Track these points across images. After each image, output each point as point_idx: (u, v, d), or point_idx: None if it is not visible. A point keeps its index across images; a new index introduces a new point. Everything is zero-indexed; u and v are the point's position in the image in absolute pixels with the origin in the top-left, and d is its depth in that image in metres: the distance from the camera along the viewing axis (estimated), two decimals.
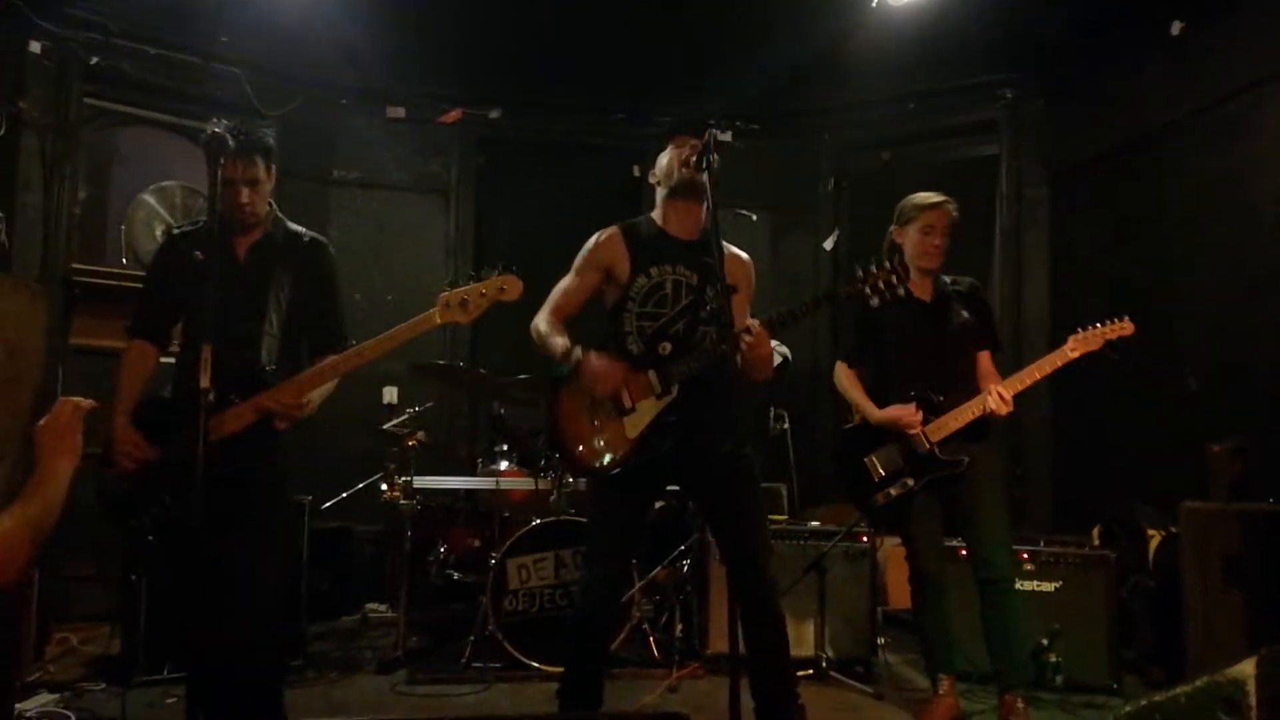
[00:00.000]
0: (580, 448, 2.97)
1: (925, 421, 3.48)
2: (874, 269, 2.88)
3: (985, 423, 3.47)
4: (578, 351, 2.92)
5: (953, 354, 3.56)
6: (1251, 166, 4.52)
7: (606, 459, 2.94)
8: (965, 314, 3.60)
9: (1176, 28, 4.92)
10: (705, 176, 2.73)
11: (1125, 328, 3.36)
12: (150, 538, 2.72)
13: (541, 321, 3.08)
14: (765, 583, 2.92)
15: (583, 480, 4.40)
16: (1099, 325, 3.40)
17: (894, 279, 2.86)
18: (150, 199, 5.53)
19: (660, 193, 3.11)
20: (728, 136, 3.01)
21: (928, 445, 3.46)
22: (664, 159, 3.07)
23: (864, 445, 3.60)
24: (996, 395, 3.39)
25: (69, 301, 5.09)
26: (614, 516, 3.04)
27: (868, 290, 2.88)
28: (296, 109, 5.98)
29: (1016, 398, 3.44)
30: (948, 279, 3.69)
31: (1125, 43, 5.35)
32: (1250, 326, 4.43)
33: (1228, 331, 4.57)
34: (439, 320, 2.79)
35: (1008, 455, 3.74)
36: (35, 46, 5.10)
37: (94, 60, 5.31)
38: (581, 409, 2.97)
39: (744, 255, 3.18)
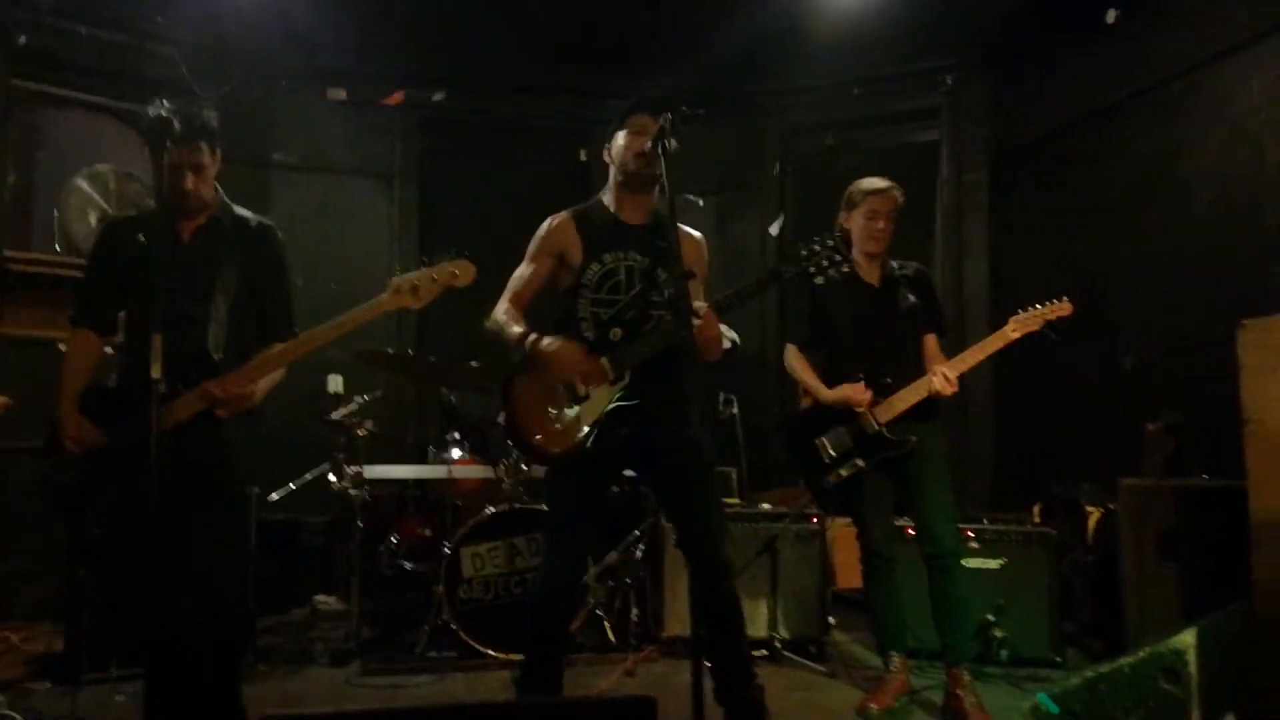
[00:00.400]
0: (537, 436, 2.96)
1: (874, 403, 3.55)
2: (816, 247, 2.93)
3: (932, 403, 3.55)
4: (533, 337, 2.92)
5: (900, 336, 3.62)
6: (1188, 148, 4.66)
7: (563, 446, 2.94)
8: (912, 297, 3.67)
9: (1112, 16, 5.04)
10: (660, 165, 2.74)
11: (1063, 308, 3.45)
12: (98, 530, 2.66)
13: (500, 311, 3.07)
14: (721, 566, 2.95)
15: (537, 468, 4.40)
16: (1038, 306, 3.49)
17: (836, 255, 2.91)
18: (83, 184, 5.36)
19: (613, 174, 3.09)
20: (691, 114, 2.97)
21: (876, 426, 3.53)
22: (619, 140, 3.03)
23: (815, 428, 3.66)
24: (941, 376, 3.46)
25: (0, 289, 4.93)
26: (572, 502, 3.04)
27: (811, 269, 2.93)
28: (234, 90, 5.83)
29: (959, 378, 3.52)
30: (895, 263, 3.75)
31: (1064, 28, 5.47)
32: (1187, 305, 4.58)
33: (1165, 310, 4.72)
34: (389, 306, 2.74)
35: (952, 435, 3.81)
36: None
37: (22, 40, 5.14)
38: (537, 397, 2.96)
39: (696, 234, 3.18)
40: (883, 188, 3.64)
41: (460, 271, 2.73)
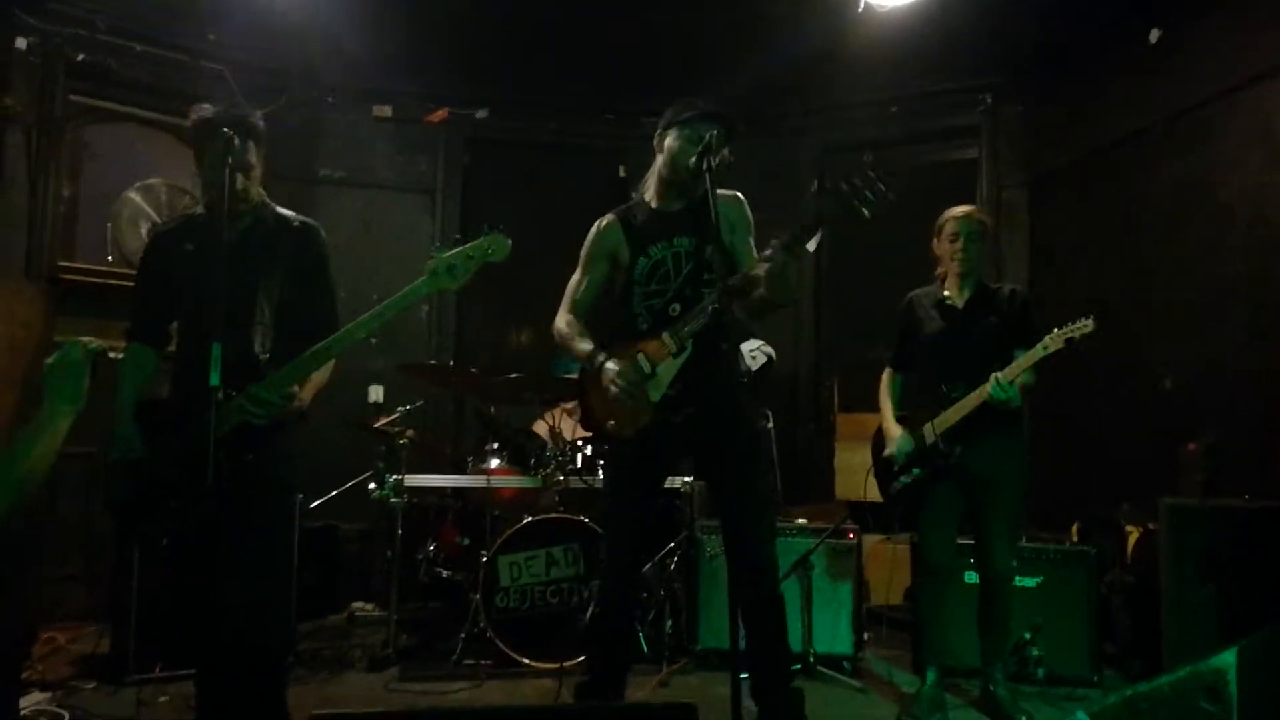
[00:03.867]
0: (611, 421, 3.06)
1: (934, 415, 3.62)
2: (856, 180, 2.80)
3: (1002, 415, 3.53)
4: (600, 358, 3.04)
5: (981, 355, 3.60)
6: (1224, 170, 4.63)
7: (635, 424, 3.01)
8: (996, 319, 3.69)
9: (1155, 35, 5.03)
10: (706, 181, 2.80)
11: (1086, 326, 3.39)
12: (164, 540, 2.70)
13: (560, 323, 3.16)
14: (765, 565, 2.99)
15: (574, 480, 4.45)
16: (1069, 324, 3.42)
17: (876, 184, 2.77)
18: (136, 197, 5.51)
19: (660, 166, 3.15)
20: (741, 131, 3.02)
21: (933, 436, 3.60)
22: (669, 142, 3.10)
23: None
24: (995, 381, 3.45)
25: (55, 300, 5.06)
26: (632, 496, 3.14)
27: (856, 201, 2.81)
28: (282, 107, 5.96)
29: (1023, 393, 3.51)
30: (992, 285, 3.84)
31: (1101, 49, 5.46)
32: (1223, 326, 4.55)
33: (1201, 331, 4.68)
34: (427, 289, 2.72)
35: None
36: (21, 43, 5.08)
37: (80, 57, 5.29)
38: (610, 392, 3.04)
39: (731, 191, 3.19)
40: (962, 212, 3.76)
41: (495, 247, 2.67)
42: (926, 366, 3.79)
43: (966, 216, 3.73)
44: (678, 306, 3.03)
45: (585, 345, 3.11)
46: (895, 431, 3.74)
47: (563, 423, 4.70)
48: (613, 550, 3.21)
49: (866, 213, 2.78)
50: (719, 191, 3.02)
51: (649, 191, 3.20)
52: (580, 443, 4.63)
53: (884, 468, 3.81)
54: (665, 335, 2.99)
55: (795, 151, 6.84)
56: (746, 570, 2.89)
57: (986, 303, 3.73)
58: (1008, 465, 3.64)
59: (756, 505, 3.06)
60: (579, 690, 3.15)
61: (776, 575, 3.07)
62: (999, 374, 3.46)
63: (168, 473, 2.69)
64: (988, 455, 3.56)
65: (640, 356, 3.00)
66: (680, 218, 3.10)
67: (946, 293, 3.75)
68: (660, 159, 3.15)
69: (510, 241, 2.70)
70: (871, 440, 3.94)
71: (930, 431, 3.62)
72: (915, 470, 3.66)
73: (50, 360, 2.08)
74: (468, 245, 2.69)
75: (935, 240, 3.81)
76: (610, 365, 3.01)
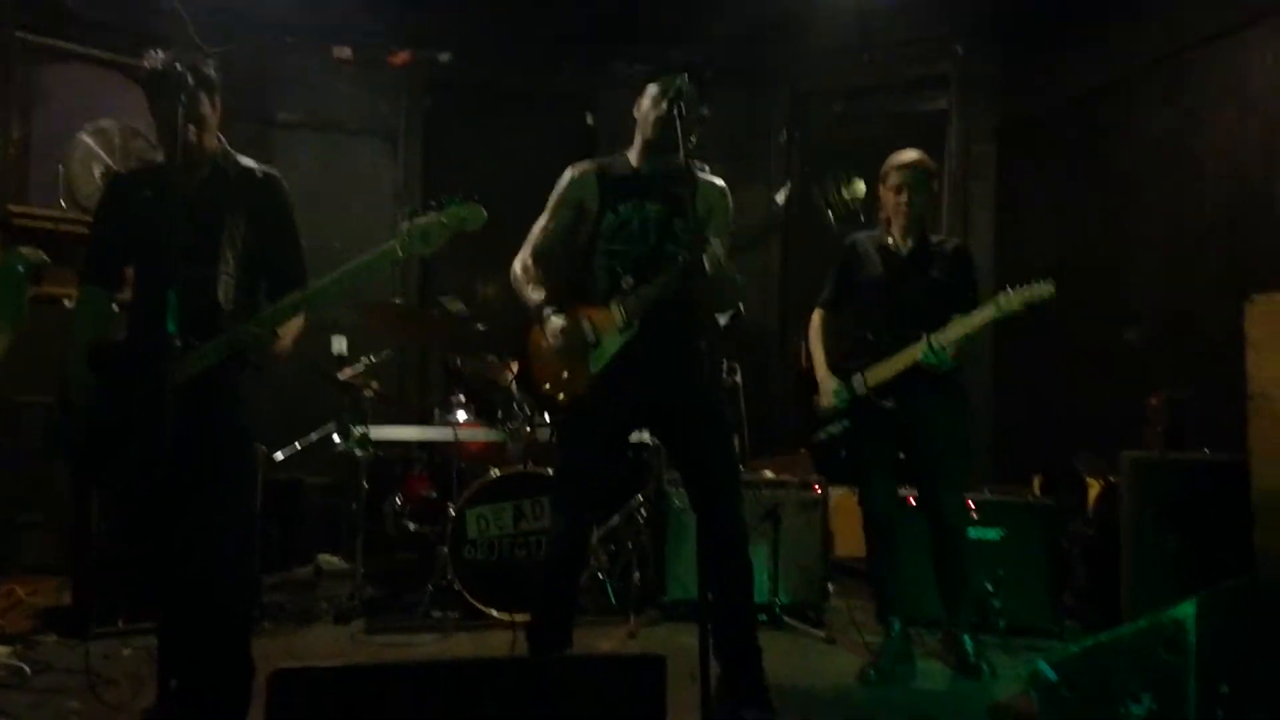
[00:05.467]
0: (546, 385, 3.02)
1: (866, 366, 3.59)
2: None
3: (940, 375, 3.51)
4: (548, 310, 2.96)
5: (921, 309, 3.57)
6: (1196, 122, 4.64)
7: (570, 393, 2.98)
8: (938, 272, 3.65)
9: None
10: (677, 127, 2.74)
11: (1045, 290, 3.33)
12: (113, 488, 2.65)
13: (518, 266, 3.09)
14: (733, 522, 2.98)
15: (542, 431, 4.42)
16: (1022, 287, 3.36)
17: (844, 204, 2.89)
18: (88, 139, 5.34)
19: (637, 135, 3.10)
20: (709, 77, 2.97)
21: (865, 388, 3.59)
22: (645, 100, 3.04)
23: (817, 387, 3.76)
24: (926, 343, 3.43)
25: (5, 245, 4.91)
26: (583, 459, 3.07)
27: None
28: (239, 47, 5.78)
29: (960, 356, 3.50)
30: (936, 238, 3.78)
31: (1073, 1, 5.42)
32: (1192, 279, 4.59)
33: (1170, 284, 4.72)
34: (400, 253, 2.68)
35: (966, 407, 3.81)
36: None
37: None
38: (549, 346, 3.00)
39: (719, 182, 3.15)
40: (907, 160, 3.66)
41: (470, 216, 2.65)
42: (861, 311, 3.76)
43: (911, 165, 3.65)
44: (630, 279, 2.96)
45: (536, 294, 3.02)
46: (830, 383, 3.67)
47: None
48: (559, 507, 3.18)
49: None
50: (707, 176, 2.99)
51: (632, 151, 3.13)
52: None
53: (809, 414, 3.76)
54: (614, 305, 2.94)
55: (766, 100, 6.76)
56: (715, 529, 2.89)
57: (929, 255, 3.69)
58: (944, 417, 3.62)
59: (722, 465, 3.04)
60: (528, 633, 3.15)
61: (743, 531, 3.06)
62: (933, 337, 3.41)
63: (122, 418, 2.64)
64: (921, 408, 3.55)
65: (585, 323, 2.95)
66: (655, 182, 3.02)
67: (890, 239, 3.70)
68: (637, 129, 3.09)
69: (485, 213, 2.67)
70: (793, 385, 3.90)
71: (861, 383, 3.60)
72: (844, 422, 3.63)
73: None
74: (443, 212, 2.65)
75: (880, 186, 3.75)
76: (555, 319, 2.95)
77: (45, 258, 2.55)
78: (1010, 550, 4.18)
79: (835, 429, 3.66)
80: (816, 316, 3.87)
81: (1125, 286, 4.97)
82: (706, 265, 2.76)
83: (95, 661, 3.41)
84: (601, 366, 2.94)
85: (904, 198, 3.63)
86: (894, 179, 3.66)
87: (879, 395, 3.57)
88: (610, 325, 2.94)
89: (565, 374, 2.97)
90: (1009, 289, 3.41)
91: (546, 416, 4.42)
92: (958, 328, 3.45)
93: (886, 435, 3.65)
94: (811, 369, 3.83)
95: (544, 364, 3.02)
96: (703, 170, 3.12)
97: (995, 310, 3.40)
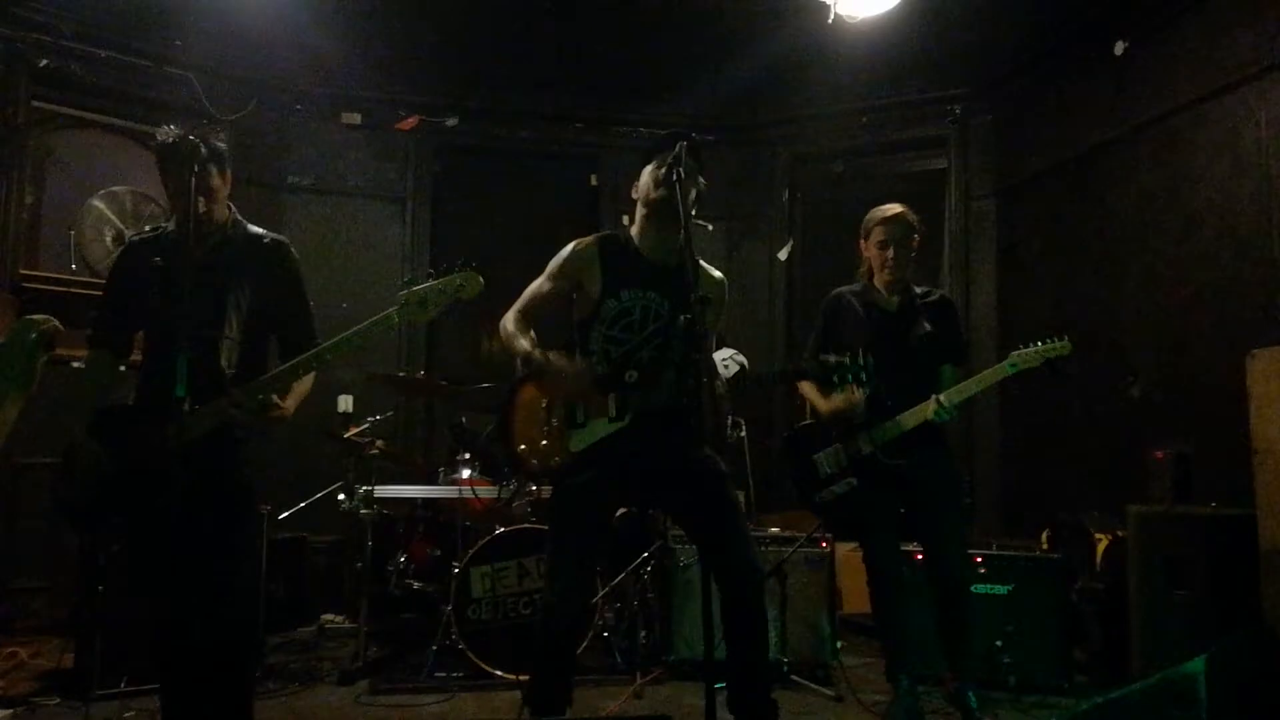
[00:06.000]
0: (522, 446, 3.01)
1: (871, 425, 3.59)
2: (834, 359, 3.02)
3: (937, 430, 3.55)
4: (539, 354, 2.91)
5: (913, 364, 3.61)
6: (1191, 181, 4.70)
7: (542, 463, 2.97)
8: (927, 325, 3.67)
9: (1120, 48, 5.10)
10: (677, 195, 2.75)
11: (1063, 347, 3.39)
12: (114, 547, 2.66)
13: (509, 320, 3.06)
14: (752, 572, 2.94)
15: (546, 489, 4.42)
16: (1039, 344, 3.43)
17: (852, 373, 2.99)
18: (100, 204, 5.44)
19: (639, 211, 3.11)
20: (700, 141, 3.02)
21: (871, 447, 3.58)
22: (644, 177, 3.05)
23: (814, 444, 3.73)
24: (936, 403, 3.47)
25: (19, 311, 4.97)
26: (576, 524, 3.04)
27: (827, 374, 3.00)
28: (250, 114, 5.92)
29: (966, 406, 3.53)
30: (919, 290, 3.77)
31: (1070, 61, 5.54)
32: (1195, 335, 4.60)
33: (1173, 339, 4.74)
34: (398, 320, 2.74)
35: (960, 460, 3.81)
36: None
37: (44, 63, 5.22)
38: (534, 410, 3.00)
39: (717, 274, 3.14)
40: (890, 215, 3.68)
41: (467, 283, 2.72)
42: None
43: (893, 220, 3.66)
44: (634, 374, 2.92)
45: (526, 342, 2.98)
46: (839, 398, 3.57)
47: None
48: (552, 574, 3.11)
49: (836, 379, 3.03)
50: (707, 268, 3.01)
51: (634, 227, 3.13)
52: None
53: (807, 478, 3.73)
54: (611, 398, 2.90)
55: (767, 160, 6.88)
56: (735, 581, 2.87)
57: (917, 309, 3.70)
58: (947, 473, 3.65)
59: (732, 519, 3.02)
60: (527, 695, 3.11)
61: (762, 582, 3.05)
62: (941, 396, 3.46)
63: (128, 480, 2.67)
64: (927, 464, 3.56)
65: (579, 403, 2.93)
66: (661, 274, 2.99)
67: (876, 295, 3.70)
68: (639, 209, 3.09)
69: (482, 281, 2.74)
70: (783, 450, 3.84)
71: (867, 441, 3.60)
72: (850, 480, 3.61)
73: (1, 340, 2.02)
74: (440, 279, 2.72)
75: (863, 241, 3.76)
76: (558, 358, 2.91)
77: (58, 325, 2.58)
78: (1019, 605, 4.15)
79: (840, 488, 3.64)
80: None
81: (1127, 342, 4.99)
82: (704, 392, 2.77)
83: None
84: (582, 447, 2.93)
85: (889, 253, 3.65)
86: (878, 234, 3.67)
87: (886, 454, 3.57)
88: (601, 413, 2.92)
89: (543, 442, 2.96)
90: (1024, 346, 3.44)
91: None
92: (971, 385, 3.47)
93: (890, 491, 3.64)
94: (810, 425, 3.83)
95: (526, 425, 3.01)
96: (707, 228, 3.14)
97: (1010, 367, 3.43)
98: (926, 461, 3.57)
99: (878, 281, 3.71)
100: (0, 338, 2.94)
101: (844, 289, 3.82)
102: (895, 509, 3.66)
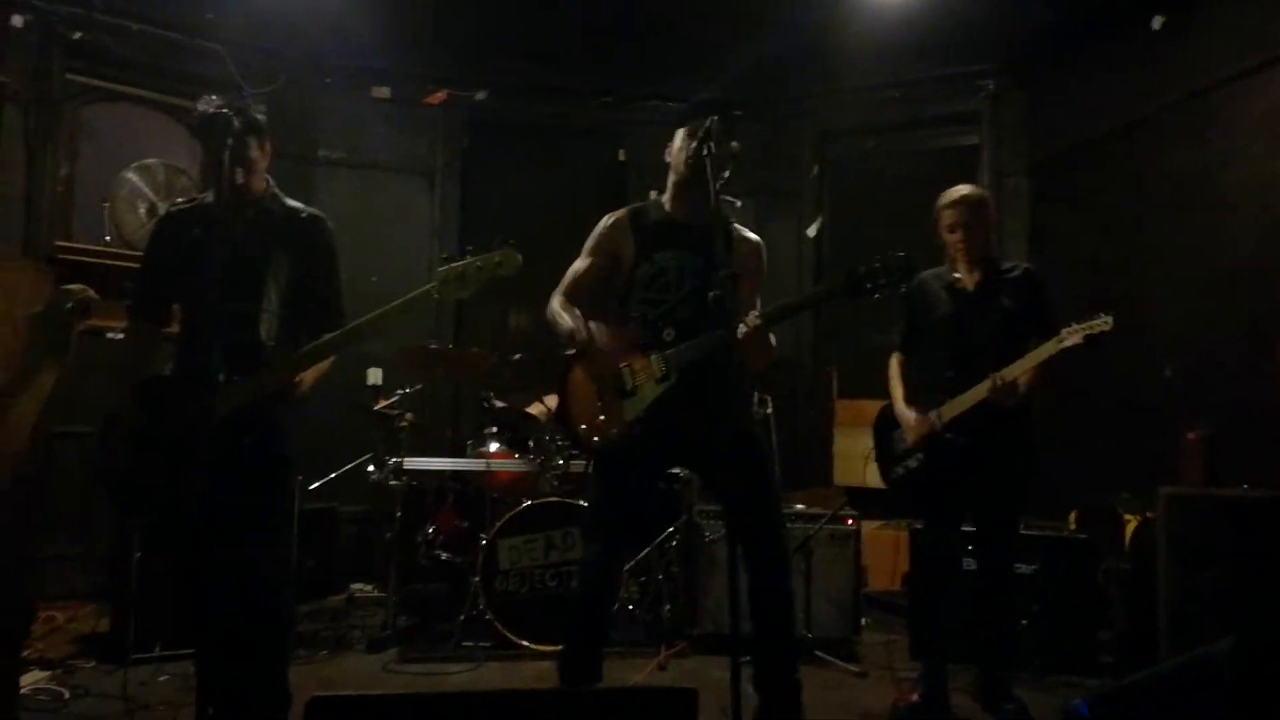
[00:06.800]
0: (582, 425, 3.03)
1: (941, 403, 3.58)
2: (877, 264, 2.93)
3: (1014, 410, 3.50)
4: (583, 331, 2.97)
5: (994, 341, 3.56)
6: (1226, 159, 4.62)
7: (604, 437, 3.00)
8: (1008, 301, 3.61)
9: (1158, 22, 5.01)
10: (707, 166, 2.76)
11: (1105, 323, 3.37)
12: (153, 517, 2.71)
13: (554, 303, 3.13)
14: (779, 553, 2.99)
15: (574, 463, 4.46)
16: (1083, 322, 3.40)
17: (894, 275, 2.91)
18: (133, 176, 5.48)
19: (670, 176, 3.14)
20: (738, 115, 3.01)
21: (938, 425, 3.56)
22: (676, 141, 3.09)
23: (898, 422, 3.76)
24: (994, 381, 3.44)
25: (56, 281, 5.03)
26: (616, 495, 3.10)
27: (869, 285, 2.93)
28: (281, 87, 5.93)
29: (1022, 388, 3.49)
30: (1005, 265, 3.74)
31: (1104, 37, 5.44)
32: (1223, 316, 4.54)
33: (1201, 321, 4.68)
34: (437, 296, 2.75)
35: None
36: (17, 20, 5.03)
37: (76, 35, 5.25)
38: (588, 388, 3.03)
39: (754, 237, 3.20)
40: (953, 199, 3.65)
41: (506, 260, 2.71)
42: (934, 350, 3.74)
43: (957, 203, 3.63)
44: (672, 332, 3.00)
45: (571, 320, 3.03)
46: (910, 417, 3.65)
47: None
48: (591, 539, 3.20)
49: (877, 297, 2.95)
50: (742, 231, 3.04)
51: (666, 195, 3.18)
52: None
53: (886, 453, 3.77)
54: (654, 358, 2.97)
55: (794, 134, 6.83)
56: (761, 560, 2.91)
57: (998, 285, 3.65)
58: (1015, 459, 3.59)
59: (766, 496, 3.05)
60: (559, 664, 3.17)
61: (788, 562, 3.07)
62: (999, 374, 3.43)
63: (166, 450, 2.68)
64: (996, 448, 3.52)
65: (625, 369, 2.98)
66: (692, 233, 3.04)
67: (957, 274, 3.67)
68: (670, 174, 3.14)
69: (520, 258, 2.71)
70: (873, 424, 3.89)
71: (936, 419, 3.58)
72: (919, 455, 3.61)
73: (38, 310, 2.06)
74: (479, 256, 2.71)
75: (936, 225, 3.73)
76: (602, 331, 2.99)
77: (93, 294, 2.61)
78: (1046, 586, 4.15)
79: (912, 463, 3.65)
80: (894, 360, 3.87)
81: (1159, 322, 4.93)
82: (740, 333, 2.78)
83: (132, 688, 3.49)
84: (637, 414, 2.97)
85: (959, 235, 3.62)
86: (947, 218, 3.65)
87: (954, 432, 3.54)
88: (648, 375, 2.97)
89: (601, 417, 2.99)
90: (1076, 323, 3.41)
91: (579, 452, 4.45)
92: (1019, 363, 3.45)
93: (957, 472, 3.58)
94: (889, 407, 3.82)
95: (581, 404, 3.04)
96: (735, 204, 3.17)
97: (1056, 345, 3.41)
98: (995, 442, 3.52)
99: (957, 263, 3.67)
100: (37, 307, 2.98)
101: (926, 272, 3.75)
102: (959, 490, 3.61)
